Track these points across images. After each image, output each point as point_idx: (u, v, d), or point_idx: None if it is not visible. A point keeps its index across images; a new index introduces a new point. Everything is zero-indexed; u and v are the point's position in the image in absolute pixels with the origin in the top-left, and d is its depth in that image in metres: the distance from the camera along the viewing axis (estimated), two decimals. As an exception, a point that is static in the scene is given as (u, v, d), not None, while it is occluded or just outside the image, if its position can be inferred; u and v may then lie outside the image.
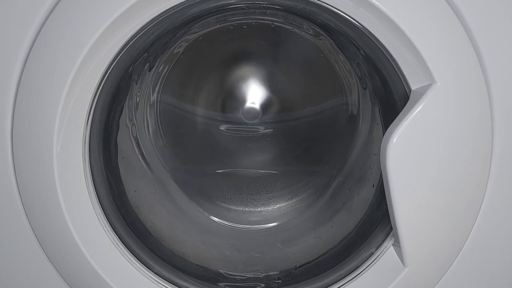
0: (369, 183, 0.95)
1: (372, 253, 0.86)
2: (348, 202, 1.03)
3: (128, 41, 0.78)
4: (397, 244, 0.82)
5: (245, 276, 0.93)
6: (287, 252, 1.01)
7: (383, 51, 0.78)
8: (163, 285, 0.87)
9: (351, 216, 0.97)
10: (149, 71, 1.01)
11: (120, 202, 0.89)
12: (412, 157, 0.76)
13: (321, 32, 0.98)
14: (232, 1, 0.83)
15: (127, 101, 0.96)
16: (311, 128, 1.15)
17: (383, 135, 0.78)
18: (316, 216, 1.08)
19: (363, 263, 0.86)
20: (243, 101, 1.11)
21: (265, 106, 1.11)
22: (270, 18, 0.97)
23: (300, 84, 1.15)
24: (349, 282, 0.86)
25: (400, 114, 0.77)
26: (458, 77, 0.75)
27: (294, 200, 1.14)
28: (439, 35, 0.74)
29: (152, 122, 1.10)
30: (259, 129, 1.13)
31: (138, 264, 0.86)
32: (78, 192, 0.82)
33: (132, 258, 0.86)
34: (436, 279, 0.85)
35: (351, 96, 1.09)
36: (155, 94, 1.09)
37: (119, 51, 0.78)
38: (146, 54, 0.89)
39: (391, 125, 0.77)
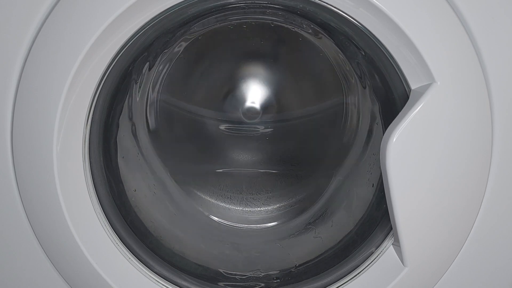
0: (369, 183, 0.95)
1: (372, 253, 0.86)
2: (348, 202, 1.03)
3: (128, 40, 0.78)
4: (396, 244, 0.82)
5: (245, 275, 0.93)
6: (287, 251, 1.01)
7: (383, 51, 0.78)
8: (163, 285, 0.87)
9: (351, 216, 0.97)
10: (149, 71, 1.01)
11: (120, 201, 0.89)
12: (412, 156, 0.76)
13: (321, 31, 0.98)
14: (232, 0, 0.83)
15: (127, 101, 0.96)
16: (311, 128, 1.15)
17: (383, 134, 0.78)
18: (316, 215, 1.08)
19: (362, 263, 0.87)
20: (243, 100, 1.11)
21: (265, 105, 1.11)
22: (270, 17, 0.97)
23: (300, 84, 1.15)
24: (349, 281, 0.86)
25: (400, 113, 0.77)
26: (458, 77, 0.75)
27: (293, 200, 1.14)
28: (439, 34, 0.74)
29: (152, 122, 1.10)
30: (258, 128, 1.13)
31: (138, 264, 0.86)
32: (78, 191, 0.82)
33: (132, 258, 0.86)
34: (435, 278, 0.85)
35: (351, 96, 1.09)
36: (155, 94, 1.09)
37: (119, 50, 0.78)
38: (146, 53, 0.89)
39: (391, 124, 0.77)
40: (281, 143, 1.16)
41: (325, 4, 0.77)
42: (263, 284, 0.92)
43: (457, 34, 0.75)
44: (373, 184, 0.92)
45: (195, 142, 1.16)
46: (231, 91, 1.12)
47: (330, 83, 1.10)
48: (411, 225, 0.79)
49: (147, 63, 0.98)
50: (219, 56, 1.12)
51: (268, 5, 0.86)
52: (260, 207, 1.14)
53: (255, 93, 1.11)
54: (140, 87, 1.02)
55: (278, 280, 0.92)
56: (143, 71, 0.98)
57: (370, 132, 1.02)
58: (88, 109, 0.80)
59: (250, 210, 1.14)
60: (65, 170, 0.78)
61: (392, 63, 0.79)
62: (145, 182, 1.04)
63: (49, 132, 0.76)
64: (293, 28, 1.01)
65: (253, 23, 1.01)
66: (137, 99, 1.03)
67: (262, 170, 1.16)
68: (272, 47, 1.11)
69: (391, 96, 0.82)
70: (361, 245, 0.88)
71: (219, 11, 0.86)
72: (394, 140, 0.75)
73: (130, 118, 1.01)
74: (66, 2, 0.75)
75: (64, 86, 0.74)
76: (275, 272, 0.94)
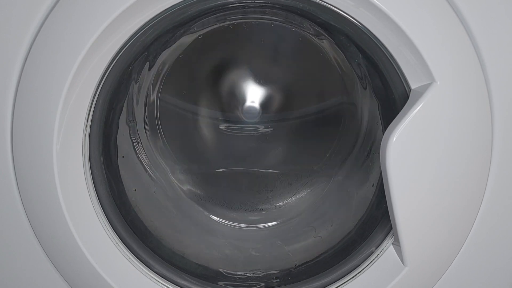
0: (369, 183, 0.95)
1: (372, 252, 0.86)
2: (348, 201, 1.03)
3: (127, 40, 0.78)
4: (396, 243, 0.82)
5: (245, 275, 0.93)
6: (287, 251, 1.01)
7: (383, 51, 0.78)
8: (163, 284, 0.87)
9: (351, 215, 0.97)
10: (149, 70, 1.01)
11: (120, 201, 0.89)
12: (411, 156, 0.76)
13: (321, 31, 0.98)
14: (232, 0, 0.83)
15: (126, 100, 0.96)
16: (311, 127, 1.15)
17: (383, 134, 0.78)
18: (316, 215, 1.08)
19: (362, 262, 0.87)
20: (243, 100, 1.11)
21: (265, 105, 1.11)
22: (270, 17, 0.97)
23: (300, 83, 1.15)
24: (349, 281, 0.86)
25: (400, 113, 0.77)
26: (458, 77, 0.75)
27: (294, 199, 1.14)
28: (439, 34, 0.75)
29: (152, 121, 1.10)
30: (258, 128, 1.13)
31: (138, 263, 0.86)
32: (78, 191, 0.82)
33: (132, 258, 0.86)
34: (435, 278, 0.86)
35: (351, 95, 1.09)
36: (155, 93, 1.09)
37: (119, 50, 0.78)
38: (146, 53, 0.89)
39: (391, 124, 0.77)
40: (281, 143, 1.16)
41: (325, 3, 0.77)
42: (263, 284, 0.92)
43: (457, 34, 0.75)
44: (373, 184, 0.92)
45: (195, 142, 1.16)
46: (231, 90, 1.12)
47: (330, 83, 1.10)
48: (411, 225, 0.79)
49: (147, 63, 0.98)
50: (219, 56, 1.12)
51: (268, 4, 0.86)
52: (260, 207, 1.14)
53: (255, 92, 1.11)
54: (140, 86, 1.02)
55: (278, 280, 0.92)
56: (143, 71, 0.98)
57: (370, 132, 1.02)
58: (88, 108, 0.80)
59: (250, 210, 1.14)
60: (65, 170, 0.78)
61: (392, 62, 0.79)
62: (145, 182, 1.04)
63: (49, 132, 0.76)
64: (293, 28, 1.01)
65: (253, 22, 1.01)
66: (137, 98, 1.03)
67: (262, 170, 1.16)
68: (272, 47, 1.11)
69: (391, 96, 0.82)
70: (361, 245, 0.88)
71: (219, 10, 0.86)
72: (394, 140, 0.75)
73: (130, 118, 1.01)
74: (66, 2, 0.75)
75: (64, 86, 0.74)
76: (275, 271, 0.94)
